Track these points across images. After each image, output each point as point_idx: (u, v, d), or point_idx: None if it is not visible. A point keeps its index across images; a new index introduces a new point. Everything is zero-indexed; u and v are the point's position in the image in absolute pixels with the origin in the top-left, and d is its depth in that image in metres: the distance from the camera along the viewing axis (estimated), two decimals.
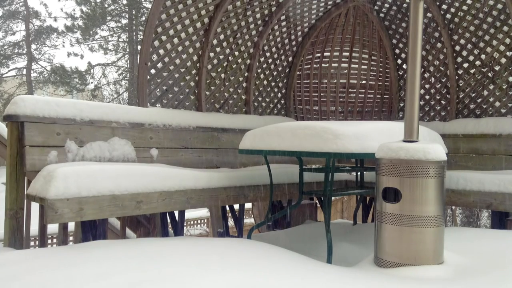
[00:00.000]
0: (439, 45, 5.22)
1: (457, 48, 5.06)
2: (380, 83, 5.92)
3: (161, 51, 4.31)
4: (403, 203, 2.35)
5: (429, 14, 5.12)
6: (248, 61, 5.18)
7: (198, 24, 4.52)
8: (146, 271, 1.91)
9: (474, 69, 4.96)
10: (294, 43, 5.63)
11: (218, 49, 4.82)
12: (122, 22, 21.69)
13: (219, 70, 4.89)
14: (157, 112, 4.09)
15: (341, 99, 5.93)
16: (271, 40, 5.34)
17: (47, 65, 22.83)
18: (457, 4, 4.85)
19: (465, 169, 4.56)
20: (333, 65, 5.89)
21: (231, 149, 4.63)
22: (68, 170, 2.82)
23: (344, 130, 2.90)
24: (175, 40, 4.39)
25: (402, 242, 2.35)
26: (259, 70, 5.33)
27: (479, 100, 4.90)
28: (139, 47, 15.67)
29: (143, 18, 20.55)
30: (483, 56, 4.86)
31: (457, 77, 5.10)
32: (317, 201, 5.63)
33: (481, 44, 4.84)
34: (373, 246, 2.57)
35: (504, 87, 4.71)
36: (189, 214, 11.26)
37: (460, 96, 5.08)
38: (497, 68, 4.77)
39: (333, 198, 8.29)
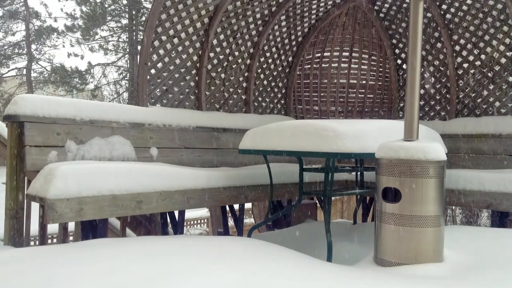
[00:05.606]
0: (439, 45, 5.22)
1: (457, 48, 5.07)
2: (380, 83, 5.92)
3: (161, 51, 4.31)
4: (403, 203, 2.35)
5: (429, 14, 5.13)
6: (248, 61, 5.18)
7: (198, 24, 4.52)
8: (146, 268, 1.91)
9: (474, 69, 4.96)
10: (294, 43, 5.63)
11: (218, 49, 4.82)
12: (122, 22, 21.69)
13: (219, 70, 4.89)
14: (157, 112, 4.10)
15: (341, 99, 5.93)
16: (271, 40, 5.34)
17: (47, 65, 22.84)
18: (457, 4, 4.85)
19: (465, 169, 4.56)
20: (333, 65, 5.89)
21: (231, 149, 4.63)
22: (68, 169, 2.81)
23: (345, 129, 2.90)
24: (175, 40, 4.40)
25: (402, 242, 2.35)
26: (259, 70, 5.33)
27: (479, 100, 4.90)
28: (139, 47, 15.66)
29: (143, 18, 20.54)
30: (483, 56, 4.86)
31: (457, 77, 5.10)
32: (317, 201, 5.63)
33: (481, 44, 4.84)
34: (373, 246, 2.57)
35: (504, 87, 4.71)
36: (189, 214, 11.27)
37: (460, 96, 5.08)
38: (497, 68, 4.77)
39: (333, 198, 8.28)
